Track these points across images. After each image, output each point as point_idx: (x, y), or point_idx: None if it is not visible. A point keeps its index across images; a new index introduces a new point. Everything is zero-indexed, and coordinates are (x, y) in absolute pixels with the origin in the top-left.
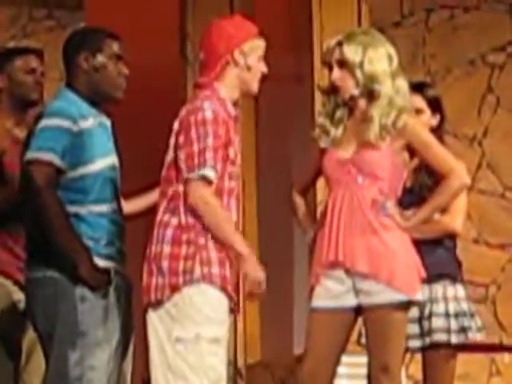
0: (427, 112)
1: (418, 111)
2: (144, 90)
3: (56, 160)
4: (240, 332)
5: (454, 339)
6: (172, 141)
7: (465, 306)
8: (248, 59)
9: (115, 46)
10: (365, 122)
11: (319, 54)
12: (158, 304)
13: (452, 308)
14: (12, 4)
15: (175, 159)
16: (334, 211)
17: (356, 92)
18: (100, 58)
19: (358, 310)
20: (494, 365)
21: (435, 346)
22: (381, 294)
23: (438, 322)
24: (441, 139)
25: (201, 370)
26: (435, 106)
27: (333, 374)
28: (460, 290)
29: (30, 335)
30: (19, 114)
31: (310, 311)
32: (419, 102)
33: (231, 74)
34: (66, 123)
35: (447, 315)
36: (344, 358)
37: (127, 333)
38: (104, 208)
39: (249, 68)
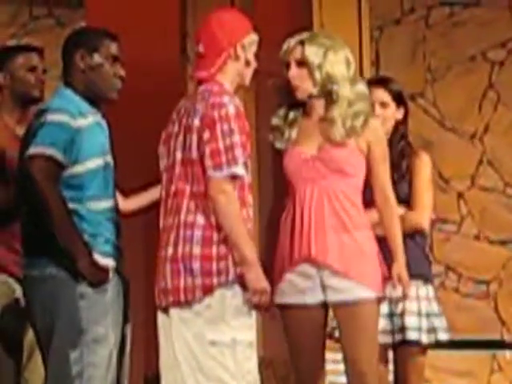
0: (392, 105)
1: (383, 105)
2: (144, 87)
3: (58, 155)
4: None
5: (425, 339)
6: (194, 138)
7: (435, 306)
8: (248, 54)
9: (113, 47)
10: (325, 121)
11: None
12: (186, 305)
13: (424, 308)
14: (12, 2)
15: (200, 157)
16: (303, 208)
17: (314, 91)
18: (96, 58)
19: (325, 306)
20: (495, 361)
21: (406, 343)
22: (351, 291)
23: (410, 320)
24: (406, 133)
25: (239, 375)
26: (399, 99)
27: (323, 367)
28: (431, 291)
29: (32, 333)
30: (21, 111)
31: (280, 309)
32: (384, 95)
33: (232, 68)
34: (66, 119)
35: (419, 314)
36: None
37: (125, 329)
38: (101, 205)
39: (248, 63)
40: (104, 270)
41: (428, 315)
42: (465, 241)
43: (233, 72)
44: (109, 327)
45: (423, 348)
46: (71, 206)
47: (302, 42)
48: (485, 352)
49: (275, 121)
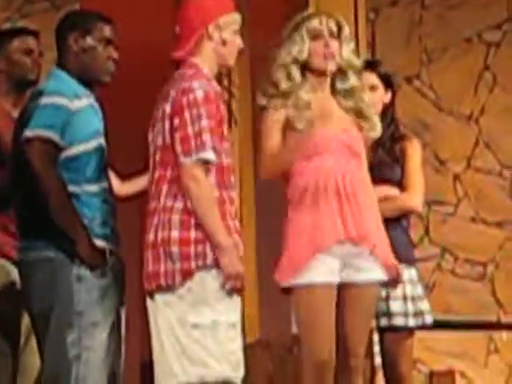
0: (381, 88)
1: (373, 88)
2: (139, 70)
3: (55, 137)
4: None
5: (412, 323)
6: (166, 124)
7: (419, 289)
8: (223, 33)
9: (106, 30)
10: (350, 106)
11: None
12: (168, 289)
13: (409, 291)
14: None
15: (172, 143)
16: (338, 187)
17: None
18: (89, 40)
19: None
20: (492, 343)
21: (393, 328)
22: (375, 271)
23: (395, 305)
24: (394, 116)
25: (221, 356)
26: (387, 82)
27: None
28: (414, 274)
29: (27, 319)
30: (17, 94)
31: (309, 286)
32: (373, 78)
33: (207, 48)
34: (63, 101)
35: (405, 298)
36: None
37: (121, 313)
38: (97, 187)
39: (224, 42)
40: (102, 253)
41: (413, 299)
42: (461, 223)
43: (209, 52)
44: (107, 310)
45: (410, 331)
46: (71, 188)
47: (333, 16)
48: (481, 333)
49: (303, 94)
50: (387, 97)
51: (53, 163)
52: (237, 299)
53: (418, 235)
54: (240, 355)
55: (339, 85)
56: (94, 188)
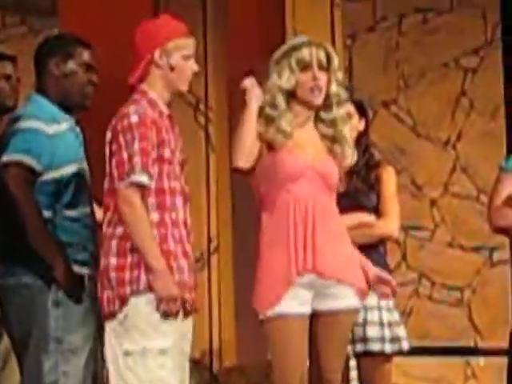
0: (356, 116)
1: (348, 115)
2: (119, 96)
3: (32, 162)
4: (215, 336)
5: (388, 349)
6: (107, 151)
7: (396, 315)
8: (171, 59)
9: (86, 55)
10: (328, 134)
11: None
12: (112, 316)
13: (385, 317)
14: None
15: (111, 169)
16: (307, 217)
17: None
18: (70, 65)
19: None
20: (469, 368)
21: (370, 354)
22: (348, 298)
23: (372, 331)
24: (369, 144)
25: (149, 383)
26: (361, 110)
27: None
28: (391, 300)
29: (6, 340)
30: None
31: (279, 318)
32: (348, 106)
33: (154, 74)
34: (40, 125)
35: (381, 324)
36: None
37: (101, 338)
38: (77, 212)
39: (172, 68)
40: (80, 279)
41: (390, 324)
42: (438, 248)
43: (157, 79)
44: (84, 336)
45: (387, 357)
46: (46, 213)
47: (322, 46)
48: (459, 359)
49: (285, 125)
50: (361, 124)
51: (30, 188)
52: (175, 324)
53: (395, 261)
54: (171, 381)
55: (323, 114)
56: (73, 213)
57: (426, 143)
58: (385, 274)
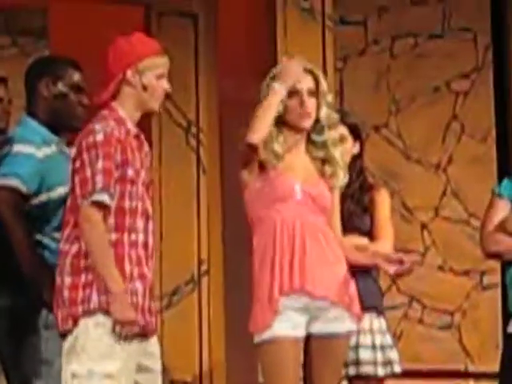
0: (350, 139)
1: (342, 139)
2: None
3: (21, 186)
4: (205, 359)
5: (381, 372)
6: (70, 168)
7: (389, 338)
8: (143, 78)
9: (76, 77)
10: (320, 157)
11: None
12: (65, 336)
13: (378, 340)
14: None
15: (74, 186)
16: (294, 237)
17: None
18: (60, 86)
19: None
20: None
21: (362, 377)
22: (343, 322)
23: (364, 354)
24: (363, 167)
25: None
26: (355, 133)
27: None
28: (383, 323)
29: None
30: None
31: (271, 341)
32: (342, 130)
33: (126, 93)
34: (29, 149)
35: (374, 347)
36: None
37: None
38: None
39: (144, 87)
40: None
41: (382, 347)
42: (429, 271)
43: (128, 97)
44: None
45: (379, 380)
46: (37, 237)
47: (310, 71)
48: (449, 382)
49: (276, 146)
50: (356, 147)
51: (19, 212)
52: (127, 347)
53: (385, 284)
54: None
55: (314, 136)
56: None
57: (417, 167)
58: (393, 255)
